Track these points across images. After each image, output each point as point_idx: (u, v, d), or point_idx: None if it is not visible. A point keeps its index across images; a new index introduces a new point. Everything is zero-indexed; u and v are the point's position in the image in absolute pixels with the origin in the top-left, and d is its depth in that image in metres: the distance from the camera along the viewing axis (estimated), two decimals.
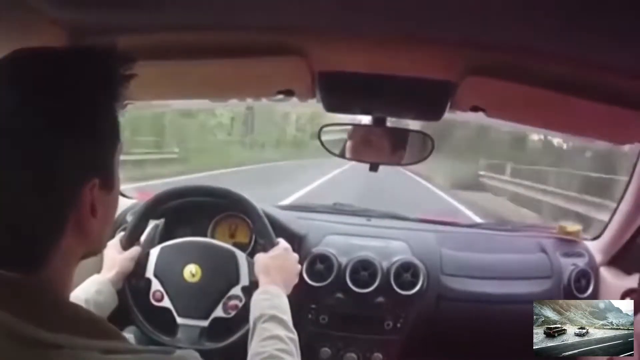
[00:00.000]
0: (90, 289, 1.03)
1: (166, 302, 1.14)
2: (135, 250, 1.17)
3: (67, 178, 0.49)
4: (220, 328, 1.14)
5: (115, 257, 1.15)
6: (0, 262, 0.47)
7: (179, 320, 1.13)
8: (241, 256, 1.16)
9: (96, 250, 0.58)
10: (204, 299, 1.14)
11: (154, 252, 1.16)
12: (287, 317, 0.93)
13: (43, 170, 0.47)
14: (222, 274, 1.15)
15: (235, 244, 1.23)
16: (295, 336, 0.90)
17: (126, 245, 1.18)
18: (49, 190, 0.48)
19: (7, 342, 0.43)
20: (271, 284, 1.02)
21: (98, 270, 1.13)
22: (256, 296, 0.99)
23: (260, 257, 1.11)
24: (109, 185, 0.54)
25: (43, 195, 0.47)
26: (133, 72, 0.54)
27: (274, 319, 0.90)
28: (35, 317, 0.44)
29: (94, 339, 0.46)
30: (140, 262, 1.16)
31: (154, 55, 0.86)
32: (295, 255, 1.15)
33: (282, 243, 1.16)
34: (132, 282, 1.16)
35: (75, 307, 0.50)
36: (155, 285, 1.14)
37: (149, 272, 1.15)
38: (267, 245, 1.16)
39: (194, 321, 1.13)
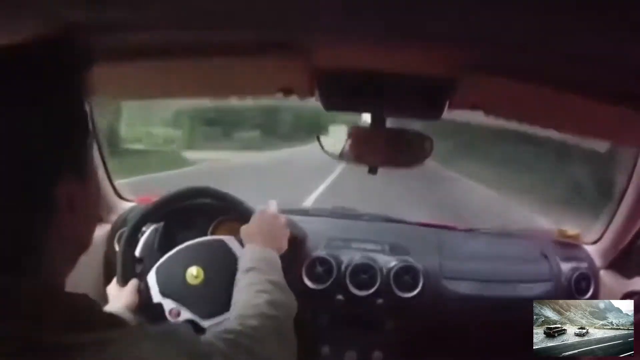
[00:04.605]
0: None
1: (186, 314, 1.11)
2: (133, 283, 1.15)
3: (37, 178, 0.48)
4: None
5: (116, 295, 1.14)
6: None
7: (205, 323, 1.10)
8: (230, 240, 1.16)
9: (84, 245, 0.57)
10: (216, 295, 1.12)
11: (151, 277, 1.14)
12: (266, 265, 0.95)
13: (11, 172, 0.46)
14: (222, 265, 1.14)
15: None
16: (276, 278, 0.92)
17: (122, 282, 1.16)
18: (21, 193, 0.47)
19: (15, 350, 0.42)
20: (253, 244, 1.04)
21: (98, 269, 1.11)
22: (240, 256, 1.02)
23: (243, 228, 1.12)
24: (85, 178, 0.54)
25: (16, 199, 0.47)
26: (90, 62, 0.54)
27: (251, 270, 0.93)
28: (36, 321, 0.44)
29: (94, 332, 0.46)
30: (143, 292, 1.14)
31: (153, 54, 0.87)
32: (275, 215, 1.15)
33: (259, 210, 1.17)
34: (144, 311, 1.13)
35: (73, 303, 0.50)
36: (168, 304, 1.11)
37: (156, 297, 1.12)
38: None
39: (218, 317, 1.10)
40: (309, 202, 6.69)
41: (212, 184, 1.29)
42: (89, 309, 0.50)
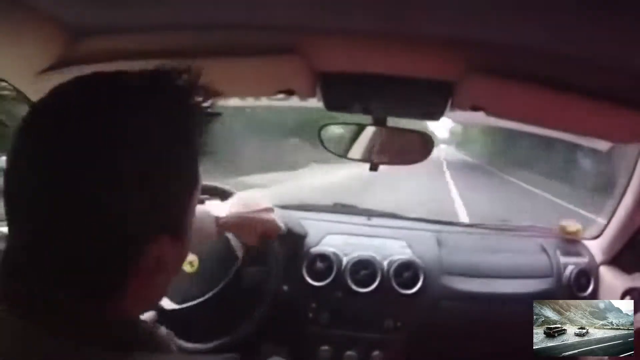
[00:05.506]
0: None
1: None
2: None
3: (132, 235, 0.42)
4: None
5: None
6: (56, 324, 0.41)
7: (170, 306, 1.12)
8: (234, 239, 1.16)
9: (159, 297, 0.53)
10: (203, 284, 1.13)
11: None
12: None
13: (105, 225, 0.41)
14: (218, 257, 1.15)
15: None
16: None
17: None
18: (110, 247, 0.42)
19: None
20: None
21: None
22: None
23: (218, 205, 1.05)
24: (181, 237, 0.47)
25: (103, 252, 0.42)
26: (218, 110, 0.48)
27: None
28: None
29: None
30: None
31: (154, 55, 0.86)
32: (256, 202, 1.10)
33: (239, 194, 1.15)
34: None
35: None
36: None
37: None
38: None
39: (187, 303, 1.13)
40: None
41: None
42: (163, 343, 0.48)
